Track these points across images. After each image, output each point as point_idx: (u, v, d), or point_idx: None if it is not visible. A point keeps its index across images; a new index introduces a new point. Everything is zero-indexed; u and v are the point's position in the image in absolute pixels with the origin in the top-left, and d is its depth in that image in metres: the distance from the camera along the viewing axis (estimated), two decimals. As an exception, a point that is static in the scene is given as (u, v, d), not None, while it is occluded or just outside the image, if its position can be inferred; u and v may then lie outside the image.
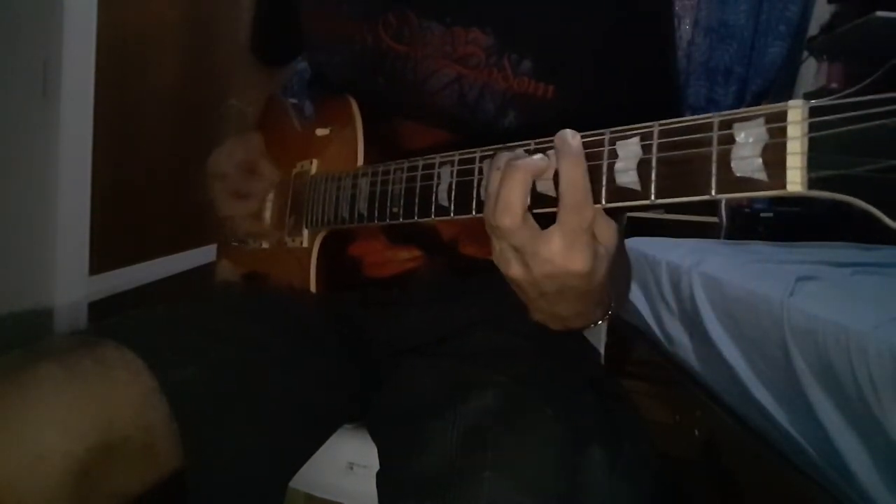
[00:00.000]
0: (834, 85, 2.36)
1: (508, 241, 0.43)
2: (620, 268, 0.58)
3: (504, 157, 0.43)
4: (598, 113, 0.56)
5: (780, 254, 1.63)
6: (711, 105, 2.54)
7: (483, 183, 0.46)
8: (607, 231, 0.44)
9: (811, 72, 2.50)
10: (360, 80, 0.68)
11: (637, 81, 0.63)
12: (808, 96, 0.32)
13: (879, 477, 0.84)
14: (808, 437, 0.99)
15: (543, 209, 0.43)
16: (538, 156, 0.42)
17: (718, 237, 2.25)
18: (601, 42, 0.61)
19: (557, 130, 0.43)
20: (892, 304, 0.96)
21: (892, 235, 0.32)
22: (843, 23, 2.22)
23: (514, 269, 0.45)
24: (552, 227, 0.42)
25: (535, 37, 0.61)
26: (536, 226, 0.42)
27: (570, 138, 0.41)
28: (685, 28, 2.57)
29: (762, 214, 2.24)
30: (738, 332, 1.22)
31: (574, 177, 0.40)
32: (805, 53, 2.51)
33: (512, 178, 0.41)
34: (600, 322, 0.53)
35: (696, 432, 1.46)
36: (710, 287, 1.37)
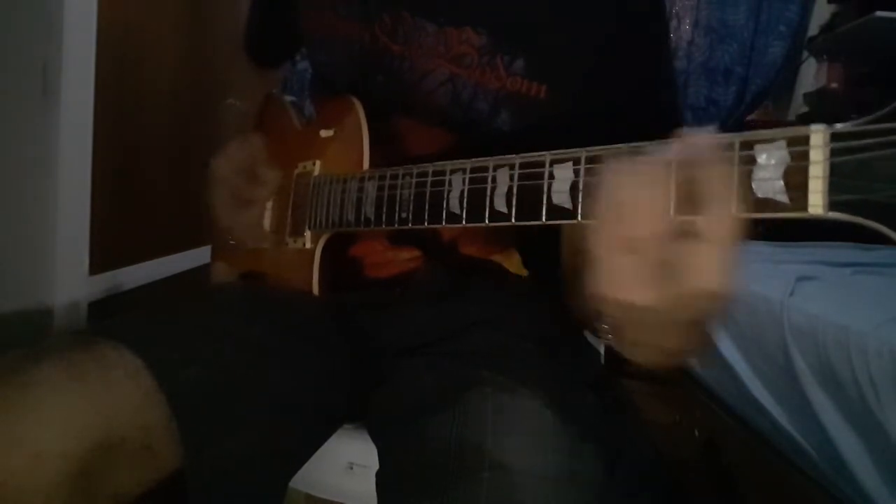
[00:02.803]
0: (834, 85, 2.36)
1: (660, 252, 0.36)
2: None
3: (630, 160, 0.37)
4: (591, 112, 0.56)
5: (780, 254, 1.63)
6: (711, 105, 2.54)
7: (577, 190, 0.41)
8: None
9: (811, 72, 2.50)
10: (361, 78, 0.68)
11: (631, 81, 0.63)
12: (807, 97, 0.32)
13: (879, 477, 0.84)
14: (808, 437, 0.99)
15: (560, 221, 0.43)
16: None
17: (718, 237, 2.24)
18: (593, 41, 0.61)
19: (550, 129, 0.43)
20: (892, 304, 0.96)
21: (890, 241, 0.32)
22: (843, 23, 2.21)
23: (641, 293, 0.37)
24: (698, 239, 0.35)
25: (528, 36, 0.61)
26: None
27: (697, 138, 0.36)
28: (685, 28, 2.57)
29: (762, 214, 2.23)
30: (738, 332, 1.22)
31: (720, 176, 0.34)
32: (805, 53, 2.51)
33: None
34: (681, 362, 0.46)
35: (696, 432, 1.46)
36: (710, 287, 1.37)
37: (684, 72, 2.52)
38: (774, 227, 2.27)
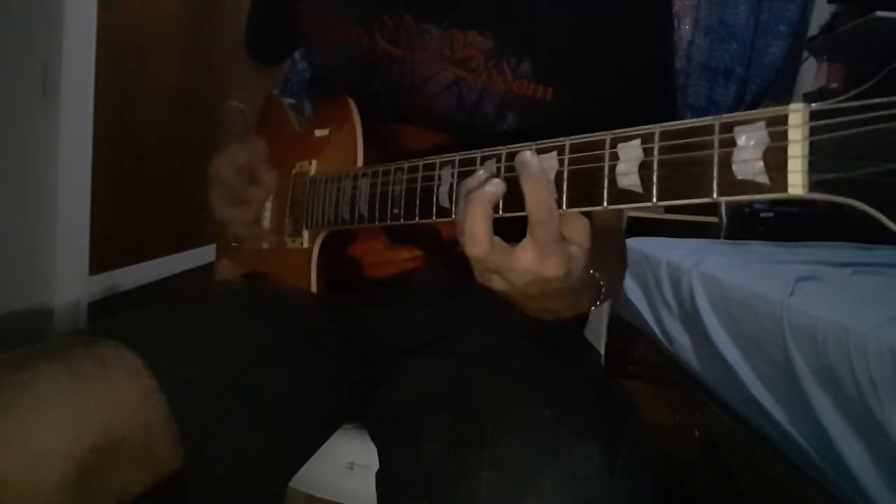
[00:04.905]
0: (834, 85, 2.36)
1: (483, 265, 0.45)
2: (609, 255, 0.59)
3: (467, 185, 0.45)
4: (598, 114, 0.56)
5: (780, 254, 1.63)
6: (711, 105, 2.54)
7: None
8: (577, 229, 0.45)
9: (811, 72, 2.50)
10: (357, 83, 0.67)
11: (636, 82, 0.63)
12: (807, 97, 0.32)
13: (879, 477, 0.84)
14: (808, 437, 0.99)
15: (514, 214, 0.44)
16: (496, 181, 0.44)
17: (718, 237, 2.25)
18: (600, 43, 0.61)
19: (557, 132, 0.43)
20: (892, 304, 0.96)
21: (892, 236, 0.32)
22: (843, 23, 2.21)
23: (497, 284, 0.47)
24: (524, 242, 0.43)
25: (534, 39, 0.61)
26: (505, 245, 0.44)
27: (529, 159, 0.42)
28: (685, 28, 2.57)
29: (762, 214, 2.24)
30: (738, 332, 1.22)
31: (538, 195, 0.42)
32: (805, 53, 2.51)
33: (473, 210, 0.43)
34: (593, 307, 0.54)
35: (696, 432, 1.46)
36: (710, 287, 1.37)
37: (684, 72, 2.53)
38: (774, 227, 2.28)
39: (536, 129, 0.46)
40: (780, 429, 1.06)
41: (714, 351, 1.28)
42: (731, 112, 0.36)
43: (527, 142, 0.45)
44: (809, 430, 0.98)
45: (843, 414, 0.90)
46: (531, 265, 0.44)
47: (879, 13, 1.97)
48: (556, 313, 0.52)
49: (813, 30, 2.49)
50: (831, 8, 2.39)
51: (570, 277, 0.45)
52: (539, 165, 0.42)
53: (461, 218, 0.45)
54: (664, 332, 1.61)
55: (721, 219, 2.31)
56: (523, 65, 0.61)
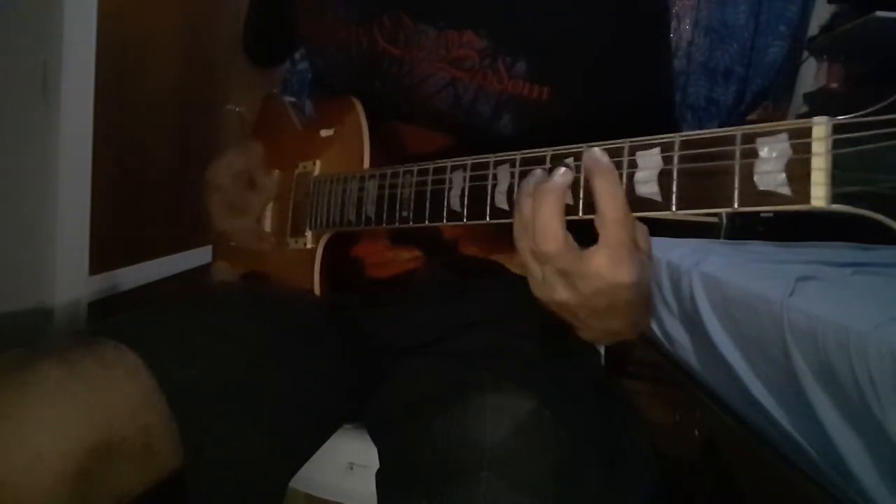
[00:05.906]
0: (834, 85, 2.36)
1: (553, 265, 0.43)
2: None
3: (532, 181, 0.43)
4: (594, 114, 0.56)
5: (780, 254, 1.63)
6: (711, 105, 2.54)
7: (516, 209, 0.45)
8: (643, 236, 0.43)
9: (811, 72, 2.50)
10: (357, 83, 0.67)
11: (633, 82, 0.63)
12: (808, 97, 0.32)
13: (879, 477, 0.84)
14: (808, 437, 0.99)
15: (567, 217, 0.43)
16: (561, 170, 0.42)
17: (718, 237, 2.24)
18: (596, 43, 0.61)
19: (553, 132, 0.43)
20: (892, 304, 0.96)
21: (892, 235, 0.32)
22: (843, 23, 2.21)
23: (560, 293, 0.44)
24: (597, 246, 0.41)
25: (530, 38, 0.61)
26: (577, 245, 0.42)
27: (601, 155, 0.41)
28: (685, 28, 2.57)
29: (762, 214, 2.23)
30: (738, 332, 1.22)
31: (613, 192, 0.40)
32: (805, 53, 2.51)
33: (546, 202, 0.41)
34: (645, 329, 0.53)
35: (696, 432, 1.46)
36: (710, 287, 1.37)
37: (684, 72, 2.52)
38: (774, 227, 2.27)
39: (533, 129, 0.46)
40: (780, 429, 1.06)
41: (714, 351, 1.28)
42: (731, 112, 0.36)
43: (523, 141, 0.45)
44: (809, 430, 0.98)
45: (843, 414, 0.90)
46: (603, 269, 0.41)
47: (879, 13, 1.97)
48: (617, 334, 0.49)
49: (813, 30, 2.49)
50: (831, 8, 2.39)
51: (640, 288, 0.43)
52: (610, 161, 0.40)
53: (527, 215, 0.42)
54: (664, 332, 1.61)
55: (721, 219, 2.31)
56: (518, 64, 0.61)
